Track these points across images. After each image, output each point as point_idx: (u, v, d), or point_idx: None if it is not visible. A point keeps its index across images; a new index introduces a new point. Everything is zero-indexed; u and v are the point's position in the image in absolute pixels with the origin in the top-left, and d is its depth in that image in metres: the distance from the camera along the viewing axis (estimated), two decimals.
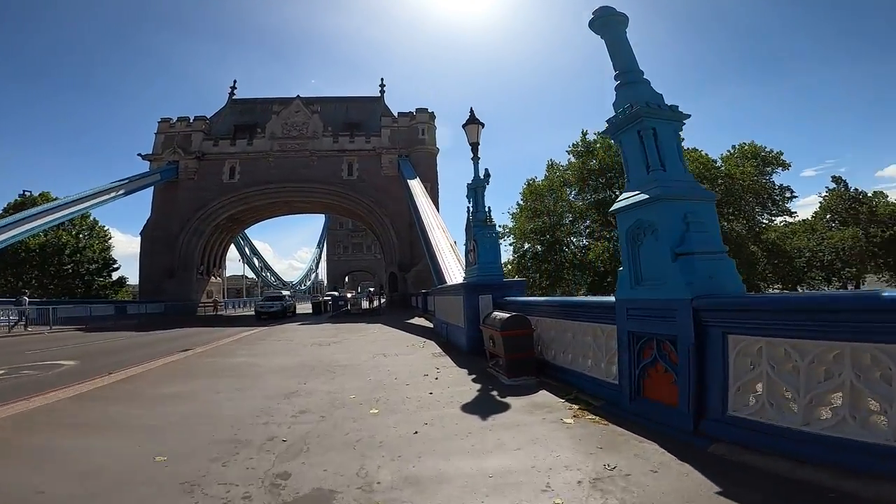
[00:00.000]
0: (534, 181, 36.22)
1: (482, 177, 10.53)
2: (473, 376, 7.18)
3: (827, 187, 43.80)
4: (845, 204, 42.64)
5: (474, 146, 10.77)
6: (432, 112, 40.76)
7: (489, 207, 10.74)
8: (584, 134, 36.78)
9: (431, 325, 16.54)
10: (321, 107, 41.66)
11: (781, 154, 34.90)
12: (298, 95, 41.95)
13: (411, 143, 39.29)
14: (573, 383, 5.89)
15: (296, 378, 7.44)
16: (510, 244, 35.61)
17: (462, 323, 9.92)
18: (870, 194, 43.17)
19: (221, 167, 39.18)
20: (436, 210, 22.24)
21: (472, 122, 10.78)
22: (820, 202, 44.21)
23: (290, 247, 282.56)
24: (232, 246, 56.58)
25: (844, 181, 43.24)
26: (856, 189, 43.70)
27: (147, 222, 38.19)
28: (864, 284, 44.18)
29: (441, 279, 14.97)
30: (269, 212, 44.03)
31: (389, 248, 37.87)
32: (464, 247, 11.14)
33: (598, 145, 35.47)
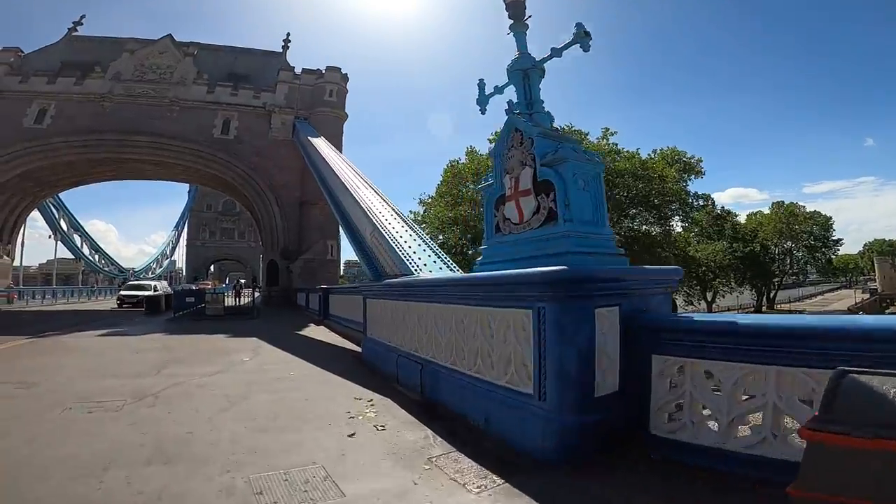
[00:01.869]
0: (457, 163, 31.10)
1: (548, 55, 4.54)
2: None
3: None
4: (711, 220, 46.16)
5: (516, 6, 4.89)
6: (346, 73, 33.07)
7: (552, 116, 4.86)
8: None
9: (350, 346, 9.80)
10: (199, 52, 31.41)
11: (701, 161, 34.68)
12: (170, 34, 31.20)
13: (314, 104, 31.11)
14: None
15: None
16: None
17: (525, 383, 3.63)
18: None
19: (25, 109, 26.88)
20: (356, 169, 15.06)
21: None
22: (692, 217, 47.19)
23: (143, 230, 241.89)
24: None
25: (712, 199, 46.70)
26: (722, 207, 48.99)
27: None
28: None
29: (378, 269, 8.36)
30: (97, 173, 31.81)
31: (270, 229, 29.18)
32: (485, 190, 4.96)
33: None
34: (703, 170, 35.01)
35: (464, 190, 30.26)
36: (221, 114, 29.65)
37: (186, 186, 78.28)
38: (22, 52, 29.13)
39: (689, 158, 34.88)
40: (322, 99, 31.52)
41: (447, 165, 31.51)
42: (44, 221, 42.52)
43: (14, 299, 29.59)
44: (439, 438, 3.97)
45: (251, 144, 29.38)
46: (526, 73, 4.82)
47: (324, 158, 17.44)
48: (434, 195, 32.06)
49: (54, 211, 42.06)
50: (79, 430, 4.21)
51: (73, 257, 50.92)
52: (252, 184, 28.99)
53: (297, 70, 32.70)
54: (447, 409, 4.75)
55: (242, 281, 45.92)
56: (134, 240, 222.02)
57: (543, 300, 3.35)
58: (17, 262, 33.70)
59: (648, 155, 33.97)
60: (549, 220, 3.98)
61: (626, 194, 30.40)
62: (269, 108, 30.29)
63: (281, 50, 35.21)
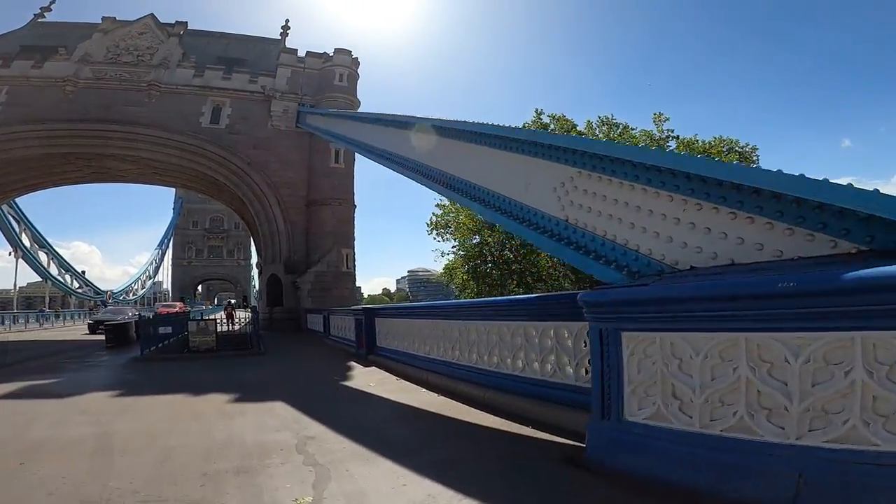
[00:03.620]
0: None
1: None
2: None
3: None
4: None
5: None
6: (356, 57, 28.33)
7: None
8: (539, 114, 28.67)
9: (489, 422, 4.79)
10: (186, 36, 26.60)
11: (756, 150, 30.41)
12: (152, 14, 26.41)
13: (322, 90, 26.20)
14: None
15: None
16: (453, 239, 24.51)
17: None
18: None
19: None
20: None
21: None
22: None
23: (128, 251, 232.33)
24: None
25: None
26: None
27: None
28: None
29: (642, 259, 3.51)
30: (60, 174, 26.39)
31: (271, 237, 23.89)
32: None
33: (551, 127, 28.15)
34: (757, 160, 30.87)
35: None
36: (211, 100, 24.71)
37: (172, 204, 73.36)
38: None
39: (743, 147, 30.66)
40: (331, 84, 26.75)
41: None
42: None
43: None
44: None
45: (247, 135, 24.41)
46: None
47: (373, 118, 12.21)
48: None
49: (14, 224, 36.31)
50: None
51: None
52: (248, 182, 23.86)
53: (301, 53, 27.98)
54: None
55: (233, 301, 40.51)
56: (119, 262, 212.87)
57: None
58: None
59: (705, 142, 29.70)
60: None
61: None
62: (268, 92, 25.40)
63: (279, 37, 30.42)
